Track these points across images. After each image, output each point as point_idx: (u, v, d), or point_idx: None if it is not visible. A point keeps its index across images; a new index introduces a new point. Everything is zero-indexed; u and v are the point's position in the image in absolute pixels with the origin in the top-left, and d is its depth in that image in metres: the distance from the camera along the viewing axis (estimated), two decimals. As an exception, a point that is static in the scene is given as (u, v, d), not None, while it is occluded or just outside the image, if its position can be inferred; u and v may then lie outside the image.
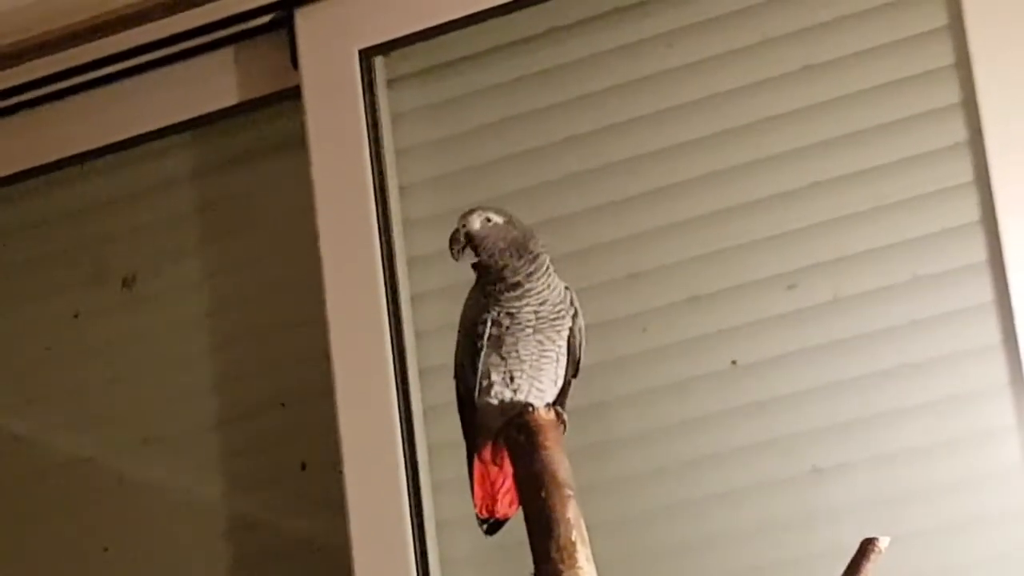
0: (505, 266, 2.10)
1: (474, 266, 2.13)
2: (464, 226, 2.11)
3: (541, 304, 2.11)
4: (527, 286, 2.10)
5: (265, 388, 2.93)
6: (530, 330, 2.10)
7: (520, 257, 2.11)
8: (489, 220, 2.12)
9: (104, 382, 3.05)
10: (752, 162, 2.69)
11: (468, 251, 2.11)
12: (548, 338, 2.12)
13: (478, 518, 2.24)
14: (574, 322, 2.15)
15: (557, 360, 2.14)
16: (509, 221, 2.13)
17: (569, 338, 2.14)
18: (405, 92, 2.89)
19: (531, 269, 2.10)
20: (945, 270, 2.57)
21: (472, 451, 2.22)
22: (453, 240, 2.12)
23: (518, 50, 2.82)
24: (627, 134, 2.76)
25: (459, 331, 2.17)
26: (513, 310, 2.10)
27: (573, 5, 2.80)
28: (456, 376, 2.20)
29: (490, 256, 2.10)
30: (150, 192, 3.08)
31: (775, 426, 2.60)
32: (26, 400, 3.10)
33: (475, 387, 2.14)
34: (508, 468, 2.18)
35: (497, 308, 2.10)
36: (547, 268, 2.12)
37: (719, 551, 2.59)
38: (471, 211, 2.13)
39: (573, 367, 2.18)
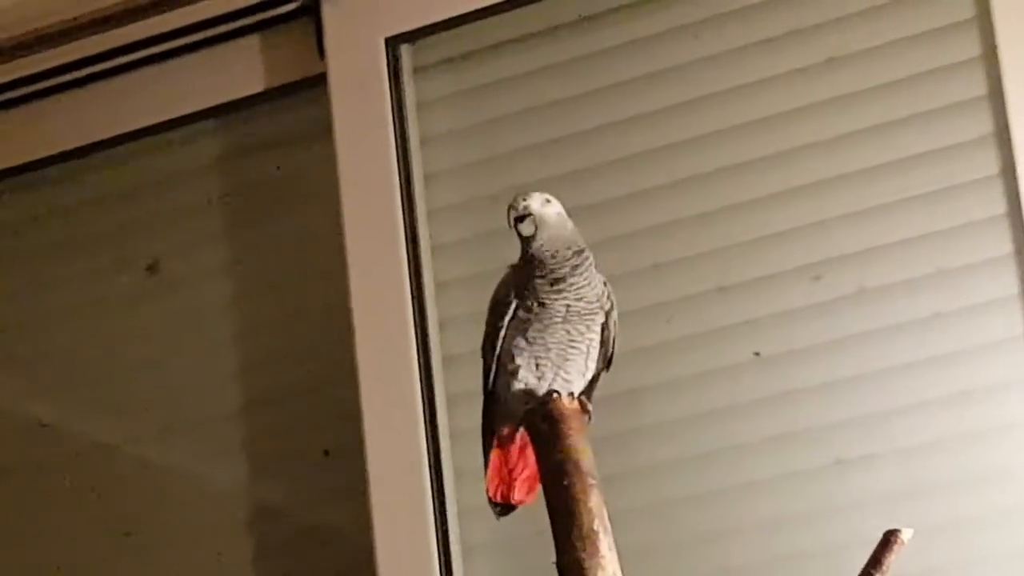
0: (554, 256, 2.08)
1: (526, 252, 2.10)
2: (524, 198, 2.09)
3: (577, 300, 2.09)
4: (570, 280, 2.08)
5: (288, 375, 2.93)
6: (559, 319, 2.09)
7: (568, 248, 2.09)
8: (549, 201, 2.10)
9: (127, 368, 3.05)
10: (777, 154, 2.68)
11: (527, 224, 2.08)
12: (577, 329, 2.10)
13: (490, 500, 2.22)
14: (608, 316, 2.14)
15: (587, 352, 2.12)
16: (562, 212, 2.12)
17: (602, 330, 2.13)
18: (431, 80, 2.89)
19: (577, 263, 2.09)
20: (970, 263, 2.56)
21: (490, 432, 2.21)
22: (512, 207, 2.08)
23: (544, 39, 2.82)
24: (653, 124, 2.75)
25: (488, 311, 2.16)
26: (547, 301, 2.08)
27: (600, -6, 2.82)
28: (483, 356, 2.18)
29: (548, 239, 2.08)
30: (175, 179, 3.08)
31: (799, 418, 2.60)
32: (50, 386, 3.11)
33: (492, 367, 2.13)
34: (530, 455, 2.17)
35: (530, 296, 2.08)
36: (590, 264, 2.11)
37: (741, 541, 2.59)
38: (527, 193, 2.10)
39: (605, 360, 2.17)
